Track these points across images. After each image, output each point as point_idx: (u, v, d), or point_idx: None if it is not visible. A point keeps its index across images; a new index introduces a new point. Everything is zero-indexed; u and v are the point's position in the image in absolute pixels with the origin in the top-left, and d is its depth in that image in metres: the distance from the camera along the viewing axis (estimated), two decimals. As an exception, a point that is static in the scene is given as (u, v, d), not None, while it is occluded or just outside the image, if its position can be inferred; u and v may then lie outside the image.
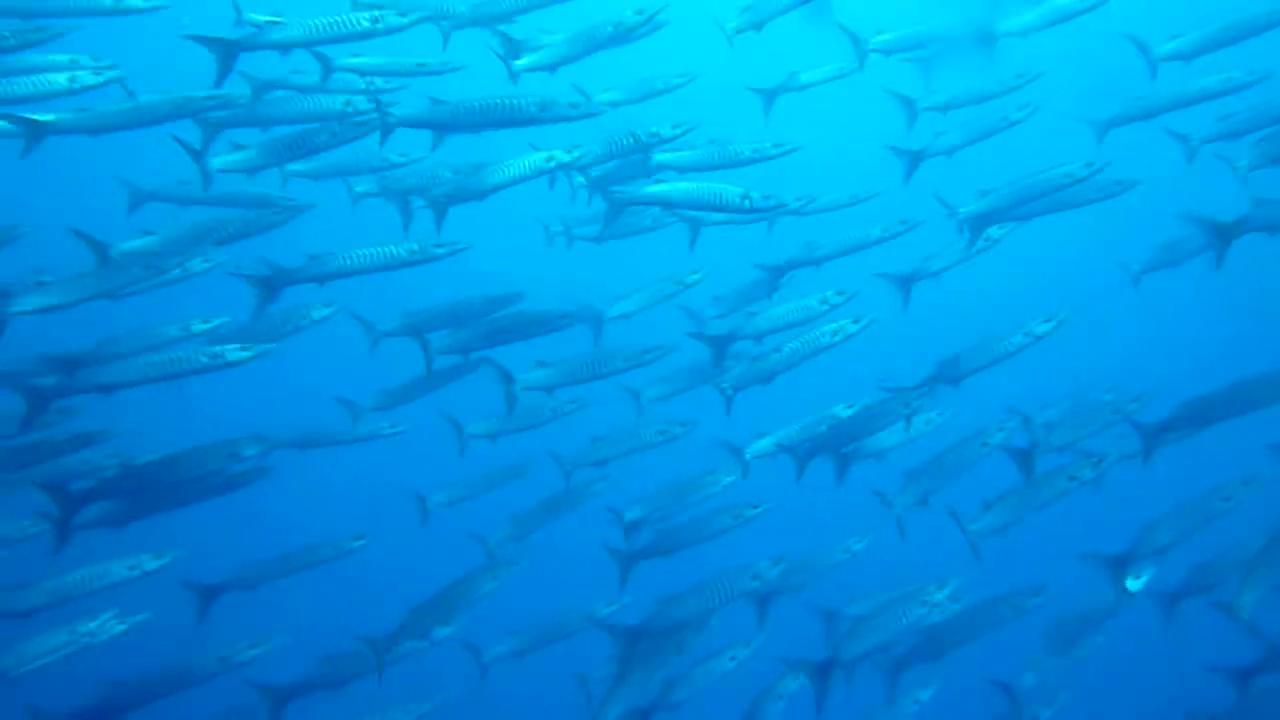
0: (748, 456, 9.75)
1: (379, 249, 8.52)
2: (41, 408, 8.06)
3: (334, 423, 10.62)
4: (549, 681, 10.31)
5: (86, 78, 8.38)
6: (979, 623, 9.11)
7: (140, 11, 9.23)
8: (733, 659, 9.69)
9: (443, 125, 8.35)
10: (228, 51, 8.24)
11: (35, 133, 8.09)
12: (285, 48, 8.47)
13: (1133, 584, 8.60)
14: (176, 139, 8.37)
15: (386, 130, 8.28)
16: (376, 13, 8.39)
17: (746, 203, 8.46)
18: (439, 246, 8.53)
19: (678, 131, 8.89)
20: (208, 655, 9.01)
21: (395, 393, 10.18)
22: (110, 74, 8.48)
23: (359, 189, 10.60)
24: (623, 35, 9.10)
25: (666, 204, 8.81)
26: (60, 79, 8.31)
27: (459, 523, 10.78)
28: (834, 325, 8.98)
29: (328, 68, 8.77)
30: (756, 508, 9.06)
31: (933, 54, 10.53)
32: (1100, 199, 9.07)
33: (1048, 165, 8.93)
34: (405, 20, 8.50)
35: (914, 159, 9.98)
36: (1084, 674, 11.17)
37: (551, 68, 9.22)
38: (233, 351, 8.17)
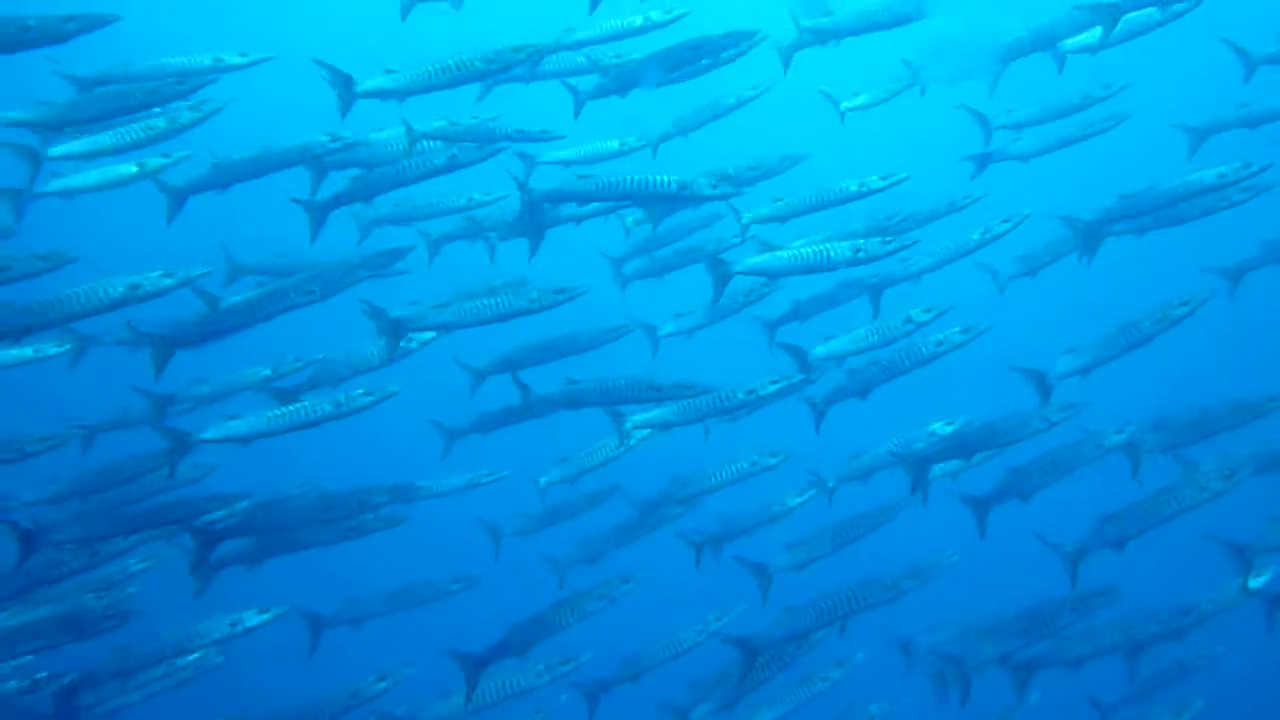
0: (832, 484, 9.83)
1: (500, 299, 8.61)
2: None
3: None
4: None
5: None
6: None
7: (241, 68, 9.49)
8: (824, 679, 9.93)
9: (584, 197, 8.50)
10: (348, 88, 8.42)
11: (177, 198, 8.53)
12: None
13: (1254, 582, 8.67)
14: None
15: (531, 205, 8.51)
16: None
17: (861, 254, 8.36)
18: (559, 293, 8.61)
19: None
20: (339, 690, 9.24)
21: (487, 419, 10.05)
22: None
23: (436, 234, 10.60)
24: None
25: (772, 274, 8.80)
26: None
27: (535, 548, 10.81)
28: (939, 335, 8.85)
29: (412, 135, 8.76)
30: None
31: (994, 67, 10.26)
32: (1241, 202, 9.02)
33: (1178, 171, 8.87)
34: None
35: (982, 162, 10.11)
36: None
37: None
38: (359, 398, 8.43)
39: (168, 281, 7.71)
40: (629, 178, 8.28)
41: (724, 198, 8.49)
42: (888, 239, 8.38)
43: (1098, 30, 9.34)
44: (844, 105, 10.28)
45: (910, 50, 10.36)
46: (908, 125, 10.71)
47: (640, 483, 10.21)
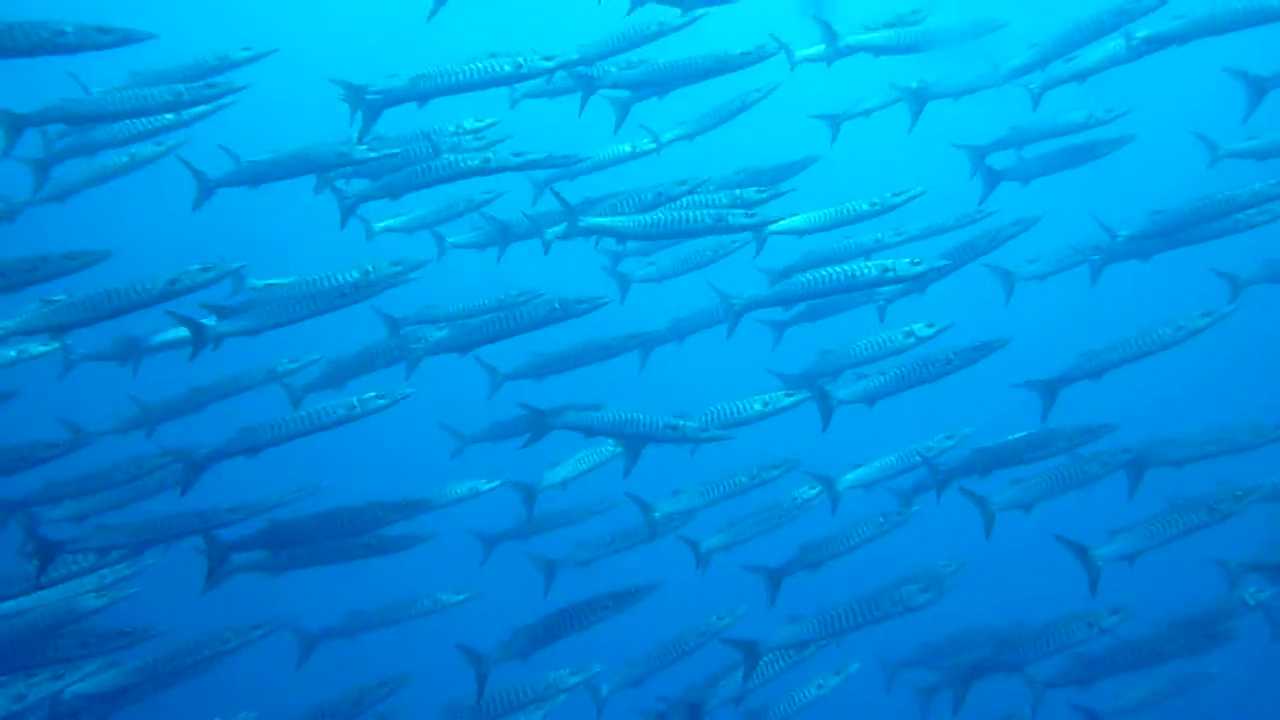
0: (840, 488, 9.71)
1: (526, 308, 8.65)
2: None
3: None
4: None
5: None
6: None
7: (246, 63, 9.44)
8: (820, 686, 9.84)
9: (628, 234, 8.53)
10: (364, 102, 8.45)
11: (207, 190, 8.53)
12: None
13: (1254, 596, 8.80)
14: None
15: (573, 228, 8.43)
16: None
17: (890, 274, 8.29)
18: (581, 303, 8.67)
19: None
20: (344, 696, 9.22)
21: (504, 426, 10.09)
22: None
23: (451, 240, 10.63)
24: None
25: (803, 298, 8.65)
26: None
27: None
28: (952, 352, 8.88)
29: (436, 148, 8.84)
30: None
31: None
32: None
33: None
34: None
35: (992, 180, 10.17)
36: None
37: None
38: (372, 400, 8.37)
39: (207, 276, 7.69)
40: (688, 215, 8.32)
41: (758, 226, 8.54)
42: (916, 260, 8.30)
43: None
44: (799, 54, 9.92)
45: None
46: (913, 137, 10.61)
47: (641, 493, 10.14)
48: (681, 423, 8.41)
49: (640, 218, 8.37)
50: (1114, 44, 9.39)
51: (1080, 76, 9.74)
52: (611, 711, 9.61)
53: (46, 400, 9.75)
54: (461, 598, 10.33)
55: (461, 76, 8.36)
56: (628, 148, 10.24)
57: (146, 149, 9.48)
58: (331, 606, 10.04)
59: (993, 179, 10.29)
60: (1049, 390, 8.88)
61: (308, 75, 9.82)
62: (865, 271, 8.25)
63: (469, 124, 9.29)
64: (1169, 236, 9.16)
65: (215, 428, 8.76)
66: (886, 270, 8.25)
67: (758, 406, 8.71)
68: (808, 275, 8.33)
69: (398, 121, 8.94)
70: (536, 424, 8.23)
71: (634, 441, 8.44)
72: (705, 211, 8.34)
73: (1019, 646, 8.95)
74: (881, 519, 9.36)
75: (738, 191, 8.76)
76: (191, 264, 7.69)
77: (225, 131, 8.90)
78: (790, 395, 8.76)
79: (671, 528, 9.47)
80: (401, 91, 8.44)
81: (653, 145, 10.25)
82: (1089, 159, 10.34)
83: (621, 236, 8.61)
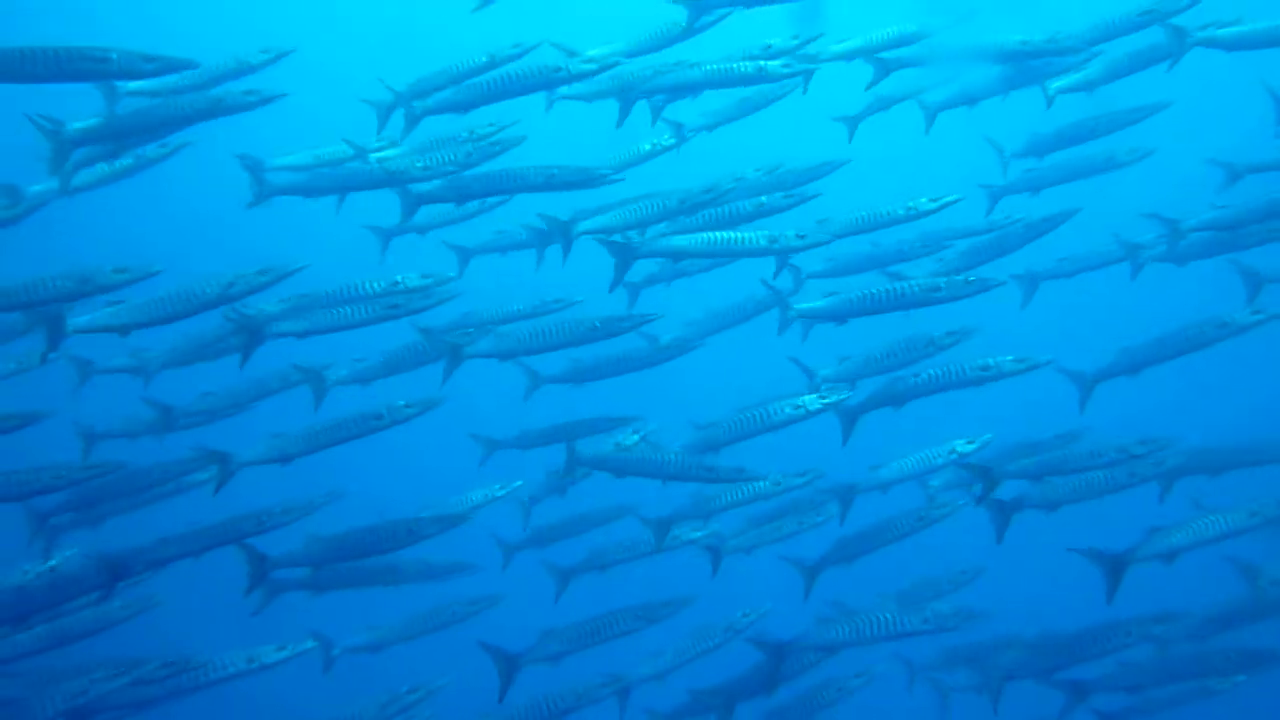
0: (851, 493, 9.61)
1: (571, 319, 8.65)
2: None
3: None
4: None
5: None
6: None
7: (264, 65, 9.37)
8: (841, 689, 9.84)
9: (677, 254, 8.58)
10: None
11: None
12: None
13: None
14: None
15: (623, 265, 8.50)
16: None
17: (941, 293, 8.34)
18: (624, 320, 8.69)
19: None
20: (370, 702, 9.17)
21: (534, 435, 10.11)
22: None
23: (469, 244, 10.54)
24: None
25: (840, 318, 8.67)
26: None
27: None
28: (987, 360, 8.71)
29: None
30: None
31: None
32: None
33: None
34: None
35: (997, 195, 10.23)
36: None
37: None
38: (402, 410, 8.38)
39: (264, 279, 7.64)
40: (723, 236, 8.38)
41: (815, 245, 8.63)
42: (971, 278, 8.30)
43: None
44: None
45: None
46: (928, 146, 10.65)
47: (660, 500, 10.01)
48: (718, 464, 8.57)
49: (697, 237, 8.37)
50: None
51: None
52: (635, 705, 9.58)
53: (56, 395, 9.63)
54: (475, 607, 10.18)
55: (504, 83, 8.44)
56: (647, 146, 10.17)
57: (152, 150, 9.36)
58: (355, 614, 9.95)
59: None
60: (1087, 384, 8.88)
61: (313, 77, 9.70)
62: (914, 290, 8.36)
63: (481, 130, 9.20)
64: (1236, 231, 9.10)
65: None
66: (936, 289, 8.34)
67: (789, 410, 8.71)
68: (862, 292, 8.41)
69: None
70: (573, 463, 8.50)
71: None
72: (760, 233, 8.40)
73: (1054, 651, 8.96)
74: (921, 513, 9.37)
75: (763, 199, 8.74)
76: (249, 266, 7.64)
77: (230, 133, 8.85)
78: (824, 397, 8.74)
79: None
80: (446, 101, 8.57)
81: (673, 141, 10.14)
82: (1106, 170, 10.35)
83: (678, 257, 8.58)
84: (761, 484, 9.24)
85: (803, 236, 8.47)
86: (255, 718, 9.23)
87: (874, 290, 8.45)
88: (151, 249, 9.90)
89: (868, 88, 9.84)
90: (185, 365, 9.47)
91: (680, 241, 8.42)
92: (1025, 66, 9.64)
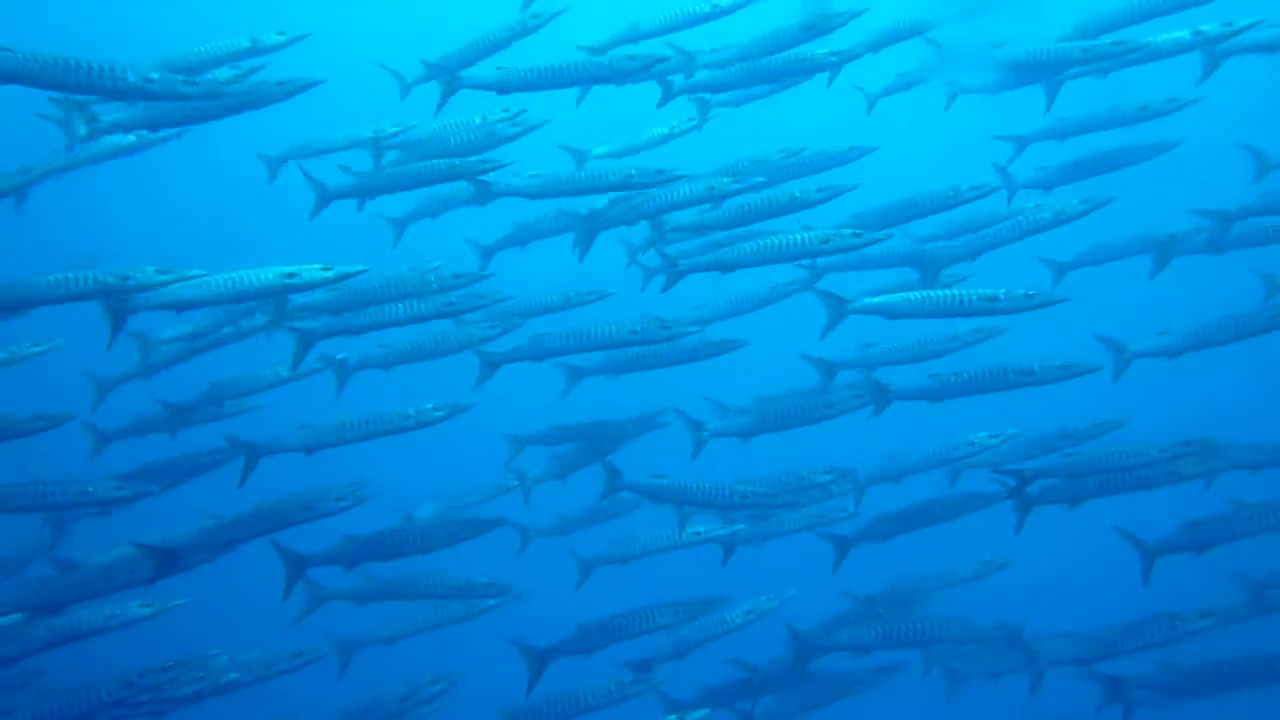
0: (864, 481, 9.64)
1: (608, 325, 8.60)
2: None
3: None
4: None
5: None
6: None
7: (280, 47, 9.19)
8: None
9: (725, 267, 8.46)
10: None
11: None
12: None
13: None
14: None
15: (672, 280, 8.54)
16: None
17: (1001, 304, 8.17)
18: (665, 328, 8.63)
19: None
20: (390, 693, 9.14)
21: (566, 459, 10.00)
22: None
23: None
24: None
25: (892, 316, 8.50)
26: None
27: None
28: (1029, 364, 8.50)
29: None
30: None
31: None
32: None
33: None
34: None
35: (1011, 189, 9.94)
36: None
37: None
38: (429, 412, 8.40)
39: (326, 275, 7.49)
40: (772, 242, 8.33)
41: (869, 244, 8.55)
42: (1031, 292, 8.16)
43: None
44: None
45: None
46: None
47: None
48: (750, 489, 8.61)
49: (752, 244, 8.32)
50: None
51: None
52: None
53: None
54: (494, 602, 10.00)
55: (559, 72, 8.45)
56: (665, 129, 10.04)
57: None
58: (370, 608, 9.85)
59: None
60: (1124, 357, 8.79)
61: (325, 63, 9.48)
62: (970, 299, 8.18)
63: (495, 115, 9.18)
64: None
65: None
66: (995, 300, 8.15)
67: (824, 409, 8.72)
68: (913, 294, 8.36)
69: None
70: (612, 484, 8.54)
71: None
72: (811, 234, 8.34)
73: (1096, 643, 8.92)
74: (962, 499, 9.29)
75: (796, 193, 8.63)
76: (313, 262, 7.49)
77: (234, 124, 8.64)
78: (859, 396, 8.66)
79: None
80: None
81: (692, 123, 9.93)
82: (1128, 164, 10.04)
83: (725, 269, 8.47)
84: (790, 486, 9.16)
85: (859, 233, 8.35)
86: (276, 707, 9.10)
87: (933, 294, 8.33)
88: (152, 247, 9.77)
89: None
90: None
91: (729, 255, 8.37)
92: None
